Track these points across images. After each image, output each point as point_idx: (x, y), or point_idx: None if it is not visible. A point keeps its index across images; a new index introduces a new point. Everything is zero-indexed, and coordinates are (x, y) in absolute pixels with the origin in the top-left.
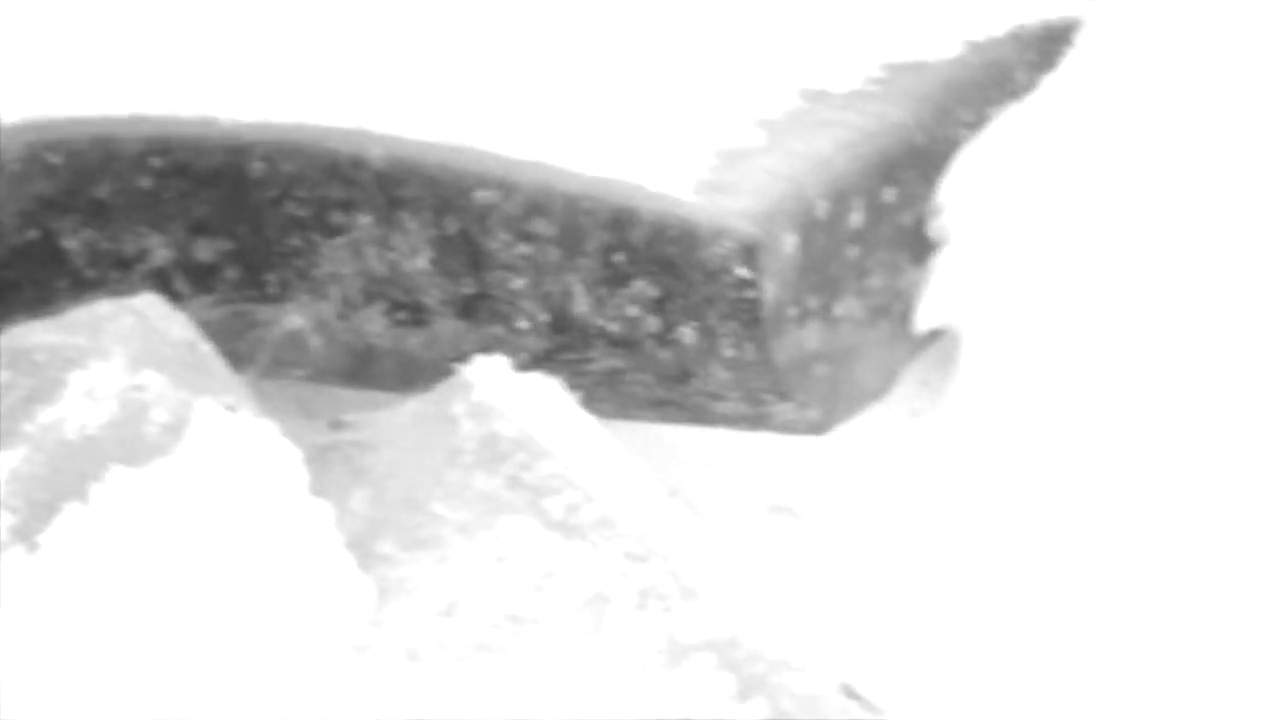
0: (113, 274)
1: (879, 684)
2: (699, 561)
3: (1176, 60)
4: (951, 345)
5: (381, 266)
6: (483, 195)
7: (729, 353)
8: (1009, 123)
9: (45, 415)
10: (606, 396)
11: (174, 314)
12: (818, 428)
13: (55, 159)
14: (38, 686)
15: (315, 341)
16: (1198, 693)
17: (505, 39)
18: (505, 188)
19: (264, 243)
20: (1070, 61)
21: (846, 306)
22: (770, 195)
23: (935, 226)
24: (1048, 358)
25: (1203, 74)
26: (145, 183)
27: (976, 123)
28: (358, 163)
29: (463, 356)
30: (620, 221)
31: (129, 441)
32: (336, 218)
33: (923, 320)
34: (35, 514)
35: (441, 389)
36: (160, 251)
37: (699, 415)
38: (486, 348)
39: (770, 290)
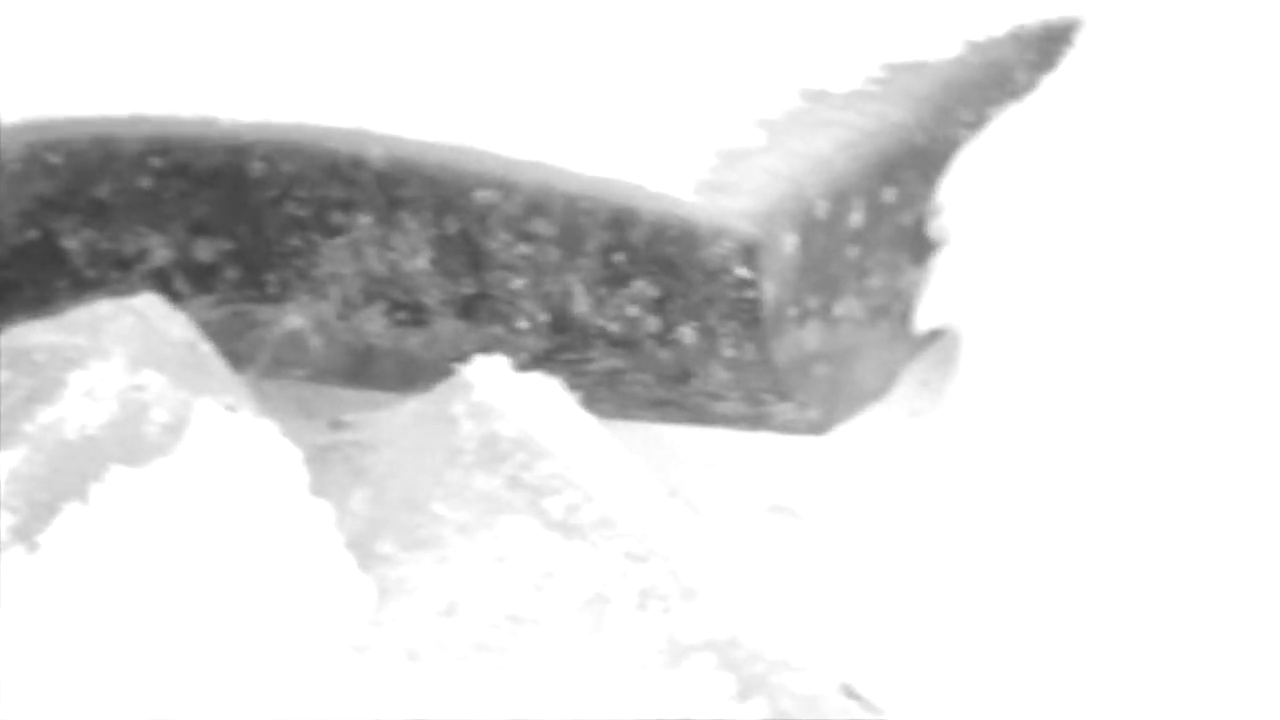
0: (113, 274)
1: (879, 684)
2: (699, 561)
3: (1176, 60)
4: (951, 345)
5: (381, 266)
6: (483, 195)
7: (729, 353)
8: (1009, 123)
9: (45, 415)
10: (606, 396)
11: (174, 314)
12: (818, 428)
13: (55, 159)
14: (38, 686)
15: (315, 341)
16: (1197, 693)
17: (505, 39)
18: (505, 188)
19: (264, 243)
20: (1070, 62)
21: (846, 306)
22: (770, 195)
23: (935, 227)
24: (1048, 358)
25: (1203, 74)
26: (145, 183)
27: (976, 123)
28: (358, 163)
29: (463, 356)
30: (620, 221)
31: (129, 441)
32: (336, 218)
33: (923, 320)
34: (35, 514)
35: (441, 389)
36: (160, 251)
37: (699, 415)
38: (486, 348)
39: (770, 290)
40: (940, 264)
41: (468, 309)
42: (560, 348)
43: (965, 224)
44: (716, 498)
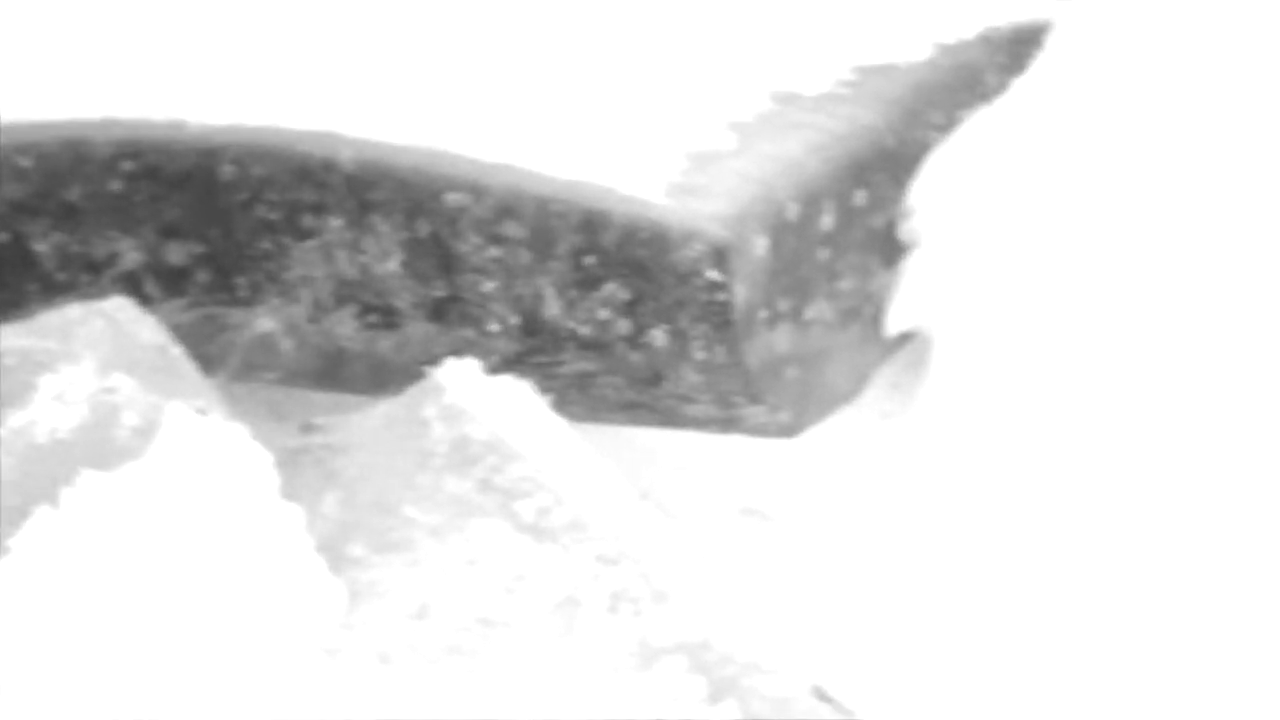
0: (83, 277)
1: (850, 686)
2: (670, 564)
3: (1145, 63)
4: (922, 348)
5: (352, 269)
6: (453, 198)
7: (700, 355)
8: (979, 125)
9: (15, 419)
10: (578, 399)
11: (144, 317)
12: (789, 430)
13: (25, 162)
14: (7, 690)
15: (286, 344)
16: (1170, 697)
17: (475, 42)
18: (476, 191)
19: (235, 246)
20: (1040, 64)
21: (817, 309)
22: (741, 198)
23: (906, 229)
24: (1018, 360)
25: (1172, 76)
26: (116, 186)
27: (947, 125)
28: (328, 166)
29: (434, 359)
30: (591, 224)
31: (99, 445)
32: (307, 221)
33: (893, 323)
34: (6, 518)
35: (413, 392)
36: (131, 255)
37: (670, 418)
38: (457, 351)
39: (741, 293)
40: (911, 266)
41: (439, 312)
42: (531, 350)
43: (936, 227)
44: (688, 500)
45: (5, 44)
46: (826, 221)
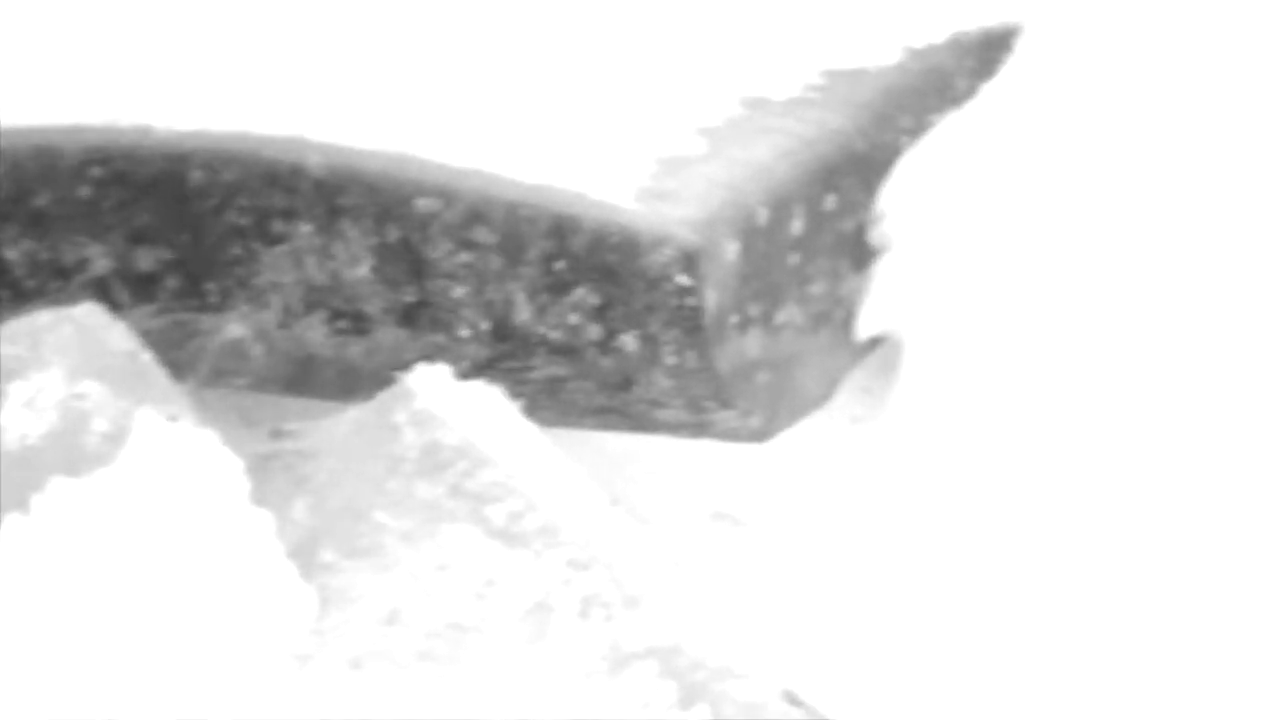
0: (52, 284)
1: (821, 691)
2: (641, 569)
3: (1115, 67)
4: (893, 352)
5: (322, 275)
6: (423, 203)
7: (670, 360)
8: (949, 130)
9: None
10: (548, 404)
11: (114, 324)
12: (760, 435)
13: None
14: None
15: (256, 350)
16: (1150, 700)
17: (444, 47)
18: (446, 196)
19: (204, 252)
20: (1010, 69)
21: (788, 314)
22: (711, 203)
23: (876, 233)
24: (989, 364)
25: (1142, 80)
26: (85, 192)
27: (917, 130)
28: (297, 171)
29: (404, 365)
30: (561, 229)
31: (69, 451)
32: (277, 226)
33: (864, 327)
34: None
35: (383, 397)
36: (100, 261)
37: (641, 423)
38: (428, 356)
39: (711, 298)
40: (881, 271)
41: (409, 317)
42: (502, 356)
43: (906, 231)
44: (659, 505)
45: None
46: (797, 226)
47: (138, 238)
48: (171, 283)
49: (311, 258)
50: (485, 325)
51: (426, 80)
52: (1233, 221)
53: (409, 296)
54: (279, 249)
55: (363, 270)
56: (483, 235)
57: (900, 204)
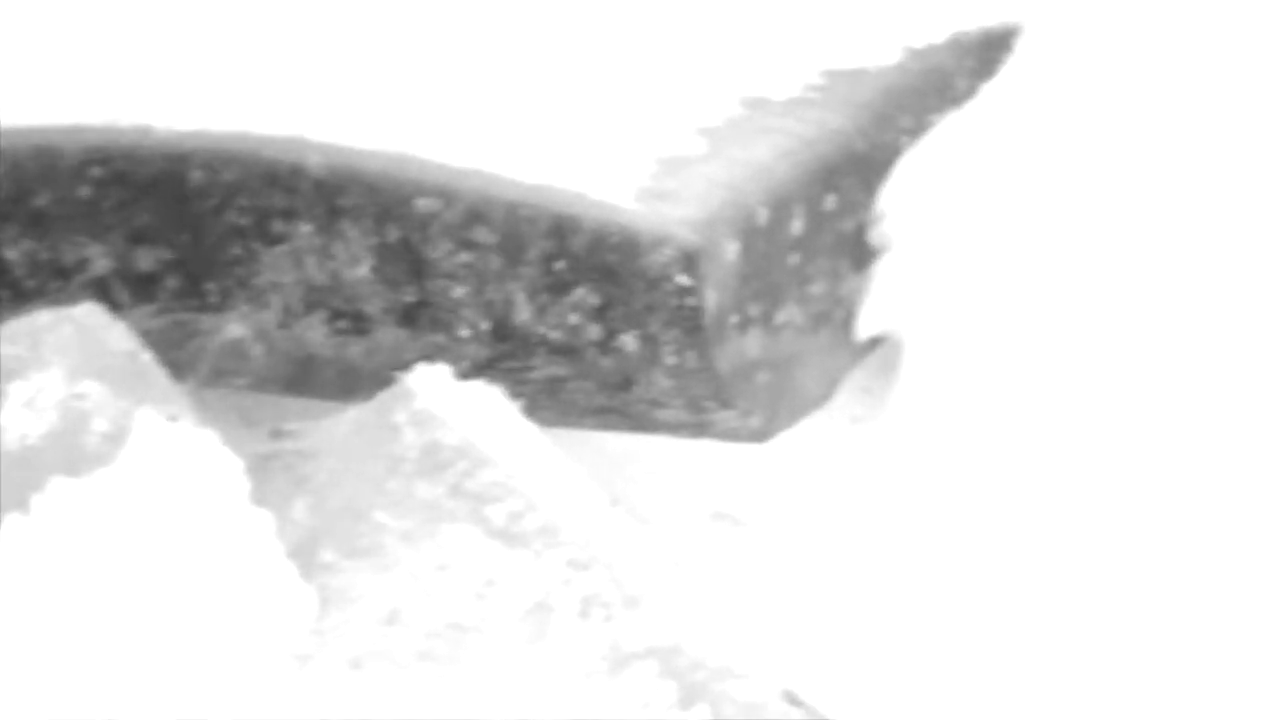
0: (52, 284)
1: (821, 691)
2: (641, 569)
3: (1115, 67)
4: (893, 352)
5: (322, 275)
6: (423, 203)
7: (670, 360)
8: (949, 130)
9: None
10: (548, 404)
11: (114, 324)
12: (760, 435)
13: None
14: None
15: (256, 350)
16: (1144, 701)
17: (444, 47)
18: (446, 196)
19: (204, 252)
20: (1010, 69)
21: (788, 314)
22: (711, 203)
23: (876, 233)
24: (989, 364)
25: (1141, 80)
26: (85, 192)
27: (917, 130)
28: (297, 171)
29: (404, 365)
30: (561, 229)
31: (69, 451)
32: (277, 226)
33: (864, 327)
34: None
35: (383, 397)
36: (100, 261)
37: (641, 423)
38: (428, 356)
39: (711, 298)
40: (881, 271)
41: (409, 317)
42: (502, 356)
43: (906, 231)
44: (659, 505)
45: None
46: (797, 226)
47: (138, 238)
48: (171, 283)
49: (311, 258)
50: (485, 325)
51: (426, 80)
52: (1233, 221)
53: (409, 296)
54: (279, 249)
55: (363, 270)
56: (483, 235)
57: (900, 204)
